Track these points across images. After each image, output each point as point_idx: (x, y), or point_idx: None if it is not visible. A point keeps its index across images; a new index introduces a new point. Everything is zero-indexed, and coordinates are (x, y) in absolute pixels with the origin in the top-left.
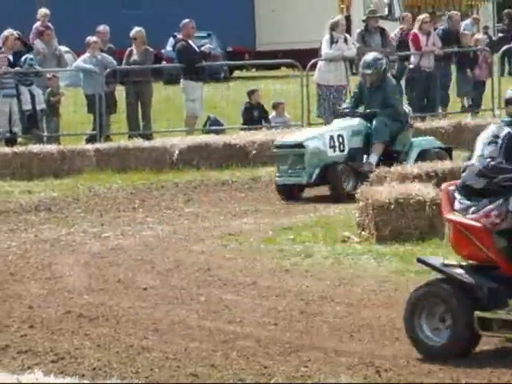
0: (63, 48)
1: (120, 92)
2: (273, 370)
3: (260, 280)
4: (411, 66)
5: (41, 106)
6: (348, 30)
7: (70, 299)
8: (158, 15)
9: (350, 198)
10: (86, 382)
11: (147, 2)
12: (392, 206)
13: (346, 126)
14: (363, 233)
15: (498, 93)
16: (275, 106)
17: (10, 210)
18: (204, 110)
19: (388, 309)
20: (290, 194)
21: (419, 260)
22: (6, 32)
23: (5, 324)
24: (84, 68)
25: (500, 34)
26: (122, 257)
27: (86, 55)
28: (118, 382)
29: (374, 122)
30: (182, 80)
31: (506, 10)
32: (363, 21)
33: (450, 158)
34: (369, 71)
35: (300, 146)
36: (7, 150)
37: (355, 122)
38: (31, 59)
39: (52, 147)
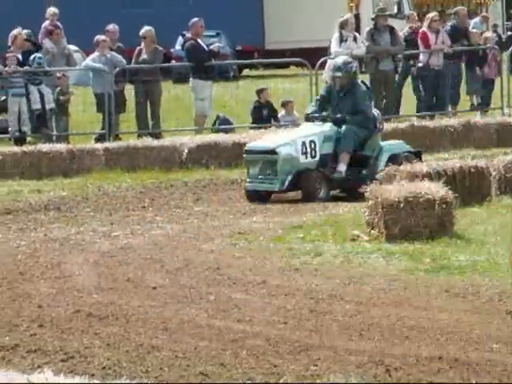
0: (72, 47)
1: (129, 91)
2: (282, 368)
3: (269, 279)
4: (420, 65)
5: (50, 105)
6: (357, 29)
7: (79, 298)
8: (168, 14)
9: (360, 196)
10: (95, 381)
11: (156, 1)
12: (401, 205)
13: (318, 131)
14: (372, 231)
15: (507, 91)
16: (284, 105)
17: (19, 209)
18: (213, 109)
19: (397, 307)
20: (259, 199)
21: None
22: (15, 31)
23: (14, 323)
24: (93, 67)
25: (509, 33)
26: (132, 256)
27: (95, 54)
28: (128, 381)
29: (343, 129)
30: (191, 79)
31: None
32: (372, 19)
33: (420, 160)
34: (339, 74)
35: (272, 152)
36: (16, 149)
37: (327, 127)
38: (40, 58)
39: (61, 146)
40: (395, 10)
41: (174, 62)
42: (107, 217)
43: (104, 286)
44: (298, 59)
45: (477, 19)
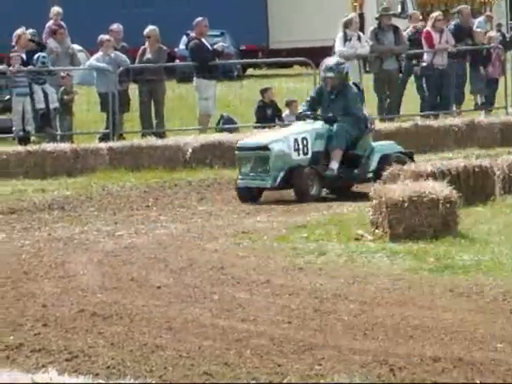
0: (76, 47)
1: (133, 90)
2: (286, 368)
3: (273, 278)
4: (424, 64)
5: (54, 104)
6: (361, 28)
7: (83, 298)
8: (172, 13)
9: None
10: (100, 380)
11: (160, 1)
12: (405, 204)
13: (310, 128)
14: (377, 231)
15: (511, 90)
16: (288, 104)
17: (23, 209)
18: (217, 109)
19: (401, 307)
20: (251, 197)
21: None
22: (19, 31)
23: (18, 322)
24: (97, 66)
25: None
26: (136, 255)
27: (99, 54)
28: (132, 380)
29: (334, 127)
30: (195, 78)
31: None
32: (376, 18)
33: (412, 162)
34: (331, 74)
35: (265, 148)
36: (21, 148)
37: (319, 124)
38: (44, 57)
39: (65, 146)
40: (399, 10)
41: (177, 61)
42: (111, 216)
43: (108, 286)
44: (301, 59)
45: (481, 18)
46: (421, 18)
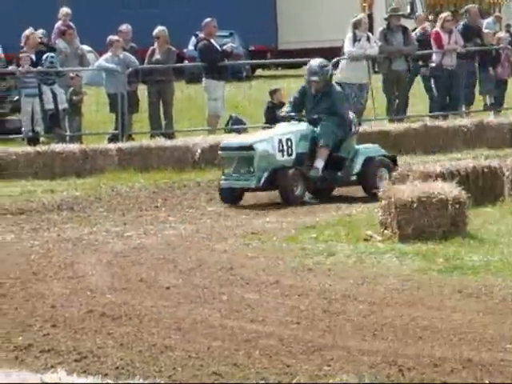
0: (85, 47)
1: (142, 91)
2: (295, 368)
3: (282, 279)
4: (433, 65)
5: (63, 105)
6: (370, 29)
7: (92, 298)
8: (180, 14)
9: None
10: (109, 381)
11: (169, 1)
12: (415, 205)
13: (294, 129)
14: (386, 231)
15: None
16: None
17: (32, 210)
18: (226, 109)
19: (411, 307)
20: (233, 198)
21: None
22: (28, 31)
23: (27, 323)
24: (106, 67)
25: None
26: (145, 256)
27: (108, 54)
28: (141, 381)
29: (319, 127)
30: (203, 79)
31: None
32: (385, 19)
33: (395, 165)
34: (315, 78)
35: (249, 148)
36: (30, 149)
37: (303, 126)
38: (52, 57)
39: (74, 146)
40: (408, 10)
41: (186, 62)
42: (120, 217)
43: (117, 286)
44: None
45: (490, 19)
46: (430, 18)
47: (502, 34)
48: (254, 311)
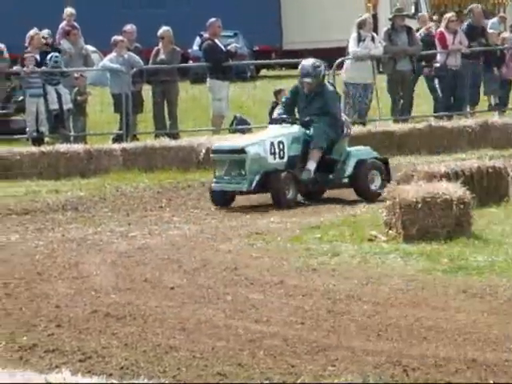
0: (90, 47)
1: (146, 91)
2: (300, 369)
3: (287, 279)
4: (438, 65)
5: (67, 105)
6: (375, 29)
7: (97, 298)
8: (185, 14)
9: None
10: (113, 381)
11: (174, 2)
12: (419, 205)
13: (286, 132)
14: (390, 232)
15: None
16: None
17: (37, 210)
18: (230, 110)
19: (415, 308)
20: (224, 201)
21: None
22: (32, 32)
23: (32, 323)
24: (111, 67)
25: None
26: (149, 256)
27: (113, 55)
28: (146, 381)
29: (311, 129)
30: (208, 79)
31: None
32: (390, 19)
33: (387, 168)
34: (308, 79)
35: (241, 151)
36: (34, 149)
37: (295, 128)
38: (56, 57)
39: (79, 147)
40: (412, 11)
41: (191, 62)
42: (125, 217)
43: (121, 287)
44: None
45: (494, 19)
46: (435, 18)
47: (506, 35)
48: (258, 311)
